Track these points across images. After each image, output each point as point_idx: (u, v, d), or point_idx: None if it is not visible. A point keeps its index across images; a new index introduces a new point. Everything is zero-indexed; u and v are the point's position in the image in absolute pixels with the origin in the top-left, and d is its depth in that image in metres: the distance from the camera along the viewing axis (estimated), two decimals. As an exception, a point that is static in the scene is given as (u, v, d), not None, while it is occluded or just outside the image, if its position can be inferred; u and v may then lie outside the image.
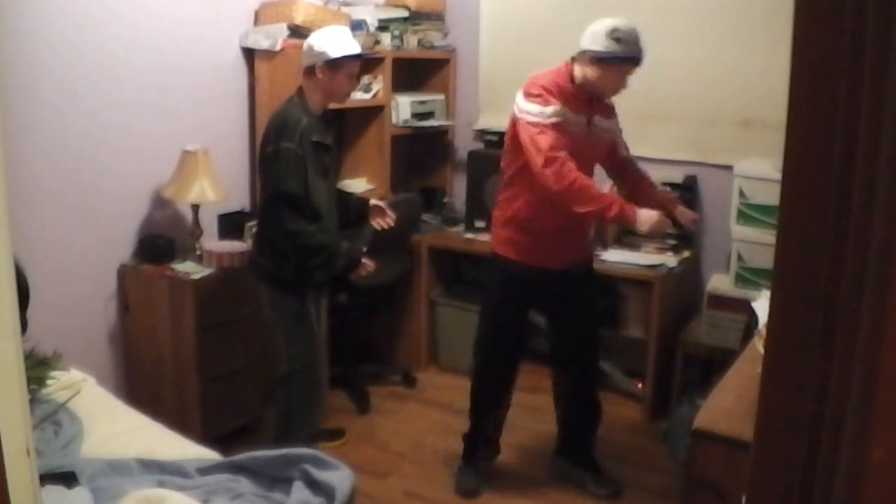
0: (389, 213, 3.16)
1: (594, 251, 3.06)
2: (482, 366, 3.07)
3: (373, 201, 3.23)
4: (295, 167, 2.74)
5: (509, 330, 2.99)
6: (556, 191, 2.59)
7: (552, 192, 2.60)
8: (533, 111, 2.64)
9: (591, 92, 2.73)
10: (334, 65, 2.80)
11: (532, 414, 3.62)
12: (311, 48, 2.83)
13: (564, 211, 2.66)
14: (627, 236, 3.80)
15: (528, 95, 2.67)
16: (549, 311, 3.07)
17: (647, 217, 2.64)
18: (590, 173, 2.81)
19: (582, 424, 3.14)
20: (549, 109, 2.63)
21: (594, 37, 2.63)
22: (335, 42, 2.81)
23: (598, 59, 2.63)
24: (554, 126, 2.62)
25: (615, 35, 2.60)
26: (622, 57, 2.62)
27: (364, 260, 2.96)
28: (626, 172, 3.01)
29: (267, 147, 2.80)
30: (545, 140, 2.60)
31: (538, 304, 3.04)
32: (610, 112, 2.88)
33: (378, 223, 3.15)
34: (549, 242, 2.80)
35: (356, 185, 3.88)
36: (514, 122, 2.71)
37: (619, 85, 2.72)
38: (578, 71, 2.70)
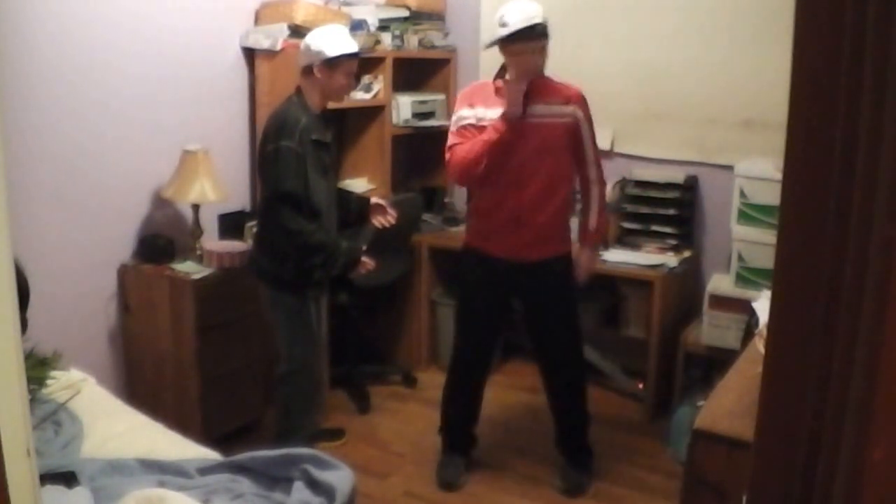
0: (391, 211, 3.16)
1: (567, 247, 2.98)
2: (457, 357, 3.14)
3: (374, 199, 3.23)
4: (295, 166, 2.74)
5: (477, 321, 3.04)
6: (450, 172, 2.92)
7: (451, 177, 3.00)
8: (452, 120, 2.94)
9: (526, 76, 2.74)
10: (332, 64, 2.80)
11: (533, 415, 3.63)
12: (308, 48, 2.83)
13: (517, 201, 2.80)
14: (628, 236, 3.81)
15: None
16: (522, 304, 3.07)
17: (508, 91, 2.73)
18: (537, 163, 2.79)
19: (565, 420, 3.15)
20: (455, 115, 2.90)
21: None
22: (332, 41, 2.81)
23: (500, 49, 2.73)
24: (460, 129, 2.86)
25: (502, 20, 2.67)
26: (507, 36, 2.65)
27: (364, 259, 2.96)
28: (582, 199, 3.00)
29: (267, 146, 2.80)
30: (449, 141, 2.88)
31: (506, 295, 3.03)
32: (564, 97, 2.83)
33: (379, 221, 3.15)
34: (507, 232, 2.85)
35: (357, 184, 3.88)
36: None
37: (525, 65, 2.71)
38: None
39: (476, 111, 2.82)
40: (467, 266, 3.04)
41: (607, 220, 3.19)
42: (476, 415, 3.21)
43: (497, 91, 2.82)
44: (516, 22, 2.64)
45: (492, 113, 2.78)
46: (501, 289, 2.98)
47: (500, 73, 2.83)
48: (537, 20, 2.65)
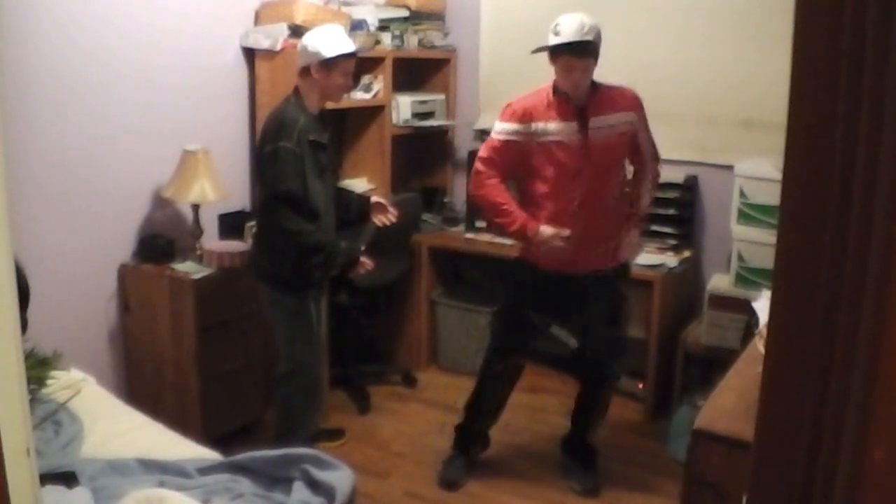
0: (391, 209, 3.15)
1: (622, 259, 2.98)
2: (488, 361, 3.11)
3: (374, 198, 3.22)
4: (293, 166, 2.74)
5: (522, 328, 3.01)
6: (471, 194, 2.90)
7: (469, 194, 2.89)
8: (494, 126, 2.86)
9: (569, 93, 2.74)
10: (329, 64, 2.80)
11: (532, 414, 3.63)
12: (305, 48, 2.83)
13: (584, 219, 2.76)
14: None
15: (500, 115, 2.83)
16: (565, 315, 3.04)
17: (544, 233, 2.76)
18: (603, 177, 2.80)
19: (583, 411, 3.17)
20: (502, 126, 2.80)
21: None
22: (329, 41, 2.81)
23: (549, 57, 2.71)
24: (503, 143, 2.79)
25: (556, 29, 2.66)
26: (555, 46, 2.65)
27: (362, 258, 2.96)
28: (634, 183, 2.99)
29: (265, 146, 2.80)
30: (485, 150, 2.83)
31: (553, 308, 3.00)
32: (616, 106, 2.81)
33: (380, 220, 3.15)
34: (569, 247, 2.79)
35: (356, 184, 3.88)
36: None
37: (570, 79, 2.71)
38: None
39: (534, 127, 2.75)
40: (522, 276, 2.98)
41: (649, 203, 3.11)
42: (498, 417, 3.22)
43: (549, 105, 2.76)
44: (568, 34, 2.63)
45: (553, 126, 2.74)
46: (555, 300, 2.92)
47: (556, 87, 2.78)
48: (588, 38, 2.63)
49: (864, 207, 0.72)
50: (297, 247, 2.82)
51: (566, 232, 2.76)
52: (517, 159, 2.80)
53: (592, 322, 2.99)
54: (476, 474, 3.21)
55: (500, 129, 2.81)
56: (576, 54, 2.65)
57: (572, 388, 3.29)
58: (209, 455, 2.21)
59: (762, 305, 2.08)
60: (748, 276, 3.37)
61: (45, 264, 2.89)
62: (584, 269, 2.85)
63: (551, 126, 2.74)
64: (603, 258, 2.88)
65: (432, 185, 4.44)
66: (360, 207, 3.18)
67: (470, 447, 3.21)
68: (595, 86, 2.79)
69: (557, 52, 2.66)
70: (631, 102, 2.85)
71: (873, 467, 0.70)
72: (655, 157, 2.97)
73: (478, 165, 2.84)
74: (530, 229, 2.77)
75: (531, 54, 2.76)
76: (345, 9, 3.88)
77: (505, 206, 2.80)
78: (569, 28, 2.62)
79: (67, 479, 1.91)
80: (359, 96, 3.82)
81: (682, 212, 3.74)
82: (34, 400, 2.25)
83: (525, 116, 2.76)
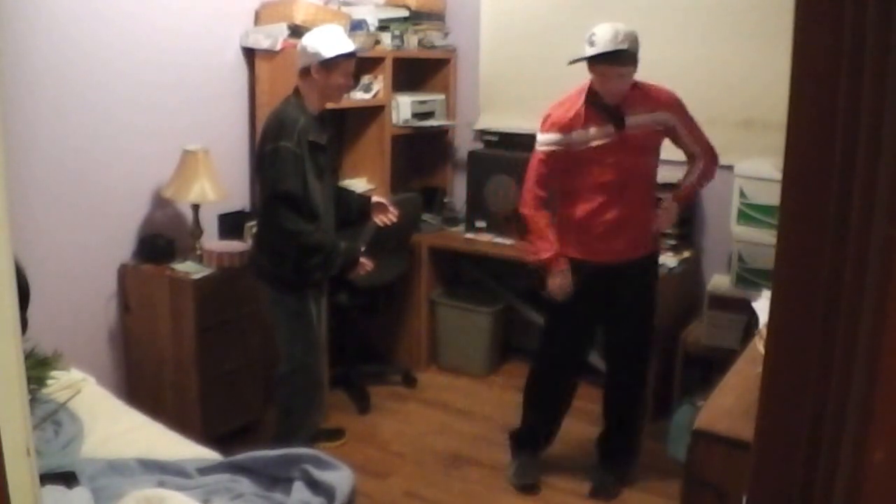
0: (392, 209, 3.15)
1: (657, 247, 3.10)
2: (544, 362, 3.14)
3: (375, 198, 3.22)
4: (293, 166, 2.74)
5: (574, 325, 3.04)
6: (521, 211, 2.96)
7: (519, 210, 2.98)
8: (537, 137, 2.91)
9: (606, 98, 2.79)
10: (329, 65, 2.80)
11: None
12: (304, 49, 2.83)
13: (619, 209, 2.85)
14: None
15: (540, 123, 2.90)
16: (609, 307, 3.06)
17: (553, 284, 2.89)
18: (640, 167, 2.88)
19: (621, 417, 3.17)
20: (544, 138, 2.87)
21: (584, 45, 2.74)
22: (328, 42, 2.81)
23: (588, 65, 2.74)
24: (547, 154, 2.86)
25: (591, 39, 2.70)
26: (593, 56, 2.69)
27: (362, 259, 2.96)
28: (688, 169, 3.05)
29: (265, 145, 2.80)
30: (534, 168, 2.90)
31: (598, 301, 3.02)
32: (657, 104, 2.87)
33: (381, 219, 3.15)
34: (608, 238, 2.86)
35: (356, 184, 3.88)
36: None
37: (608, 85, 2.75)
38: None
39: (574, 135, 2.81)
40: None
41: (696, 191, 3.14)
42: (563, 417, 3.22)
43: (585, 111, 2.81)
44: (604, 44, 2.66)
45: (591, 131, 2.80)
46: (596, 292, 2.97)
47: (590, 92, 2.82)
48: (624, 46, 2.66)
49: (864, 207, 0.72)
50: (296, 247, 2.82)
51: (568, 289, 2.89)
52: (563, 167, 2.87)
53: (623, 316, 3.02)
54: (475, 474, 3.21)
55: (543, 140, 2.87)
56: (612, 63, 2.69)
57: (581, 391, 3.28)
58: (209, 455, 2.21)
59: (762, 305, 2.08)
60: (748, 277, 3.37)
61: (45, 264, 2.89)
62: (618, 258, 2.89)
63: (590, 132, 2.81)
64: (636, 247, 2.93)
65: (432, 185, 4.44)
66: (360, 207, 3.18)
67: (535, 448, 3.20)
68: (634, 84, 2.83)
69: (594, 62, 2.71)
70: (667, 102, 2.90)
71: (873, 468, 0.70)
72: (711, 156, 3.00)
73: (529, 185, 2.91)
74: (556, 265, 2.88)
75: (568, 65, 2.79)
76: (345, 9, 3.88)
77: (546, 234, 2.90)
78: (603, 38, 2.66)
79: (67, 479, 1.91)
80: (359, 96, 3.82)
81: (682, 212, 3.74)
82: (34, 400, 2.25)
83: (565, 126, 2.82)
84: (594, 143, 2.81)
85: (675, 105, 2.91)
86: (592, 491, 3.09)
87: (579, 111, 2.81)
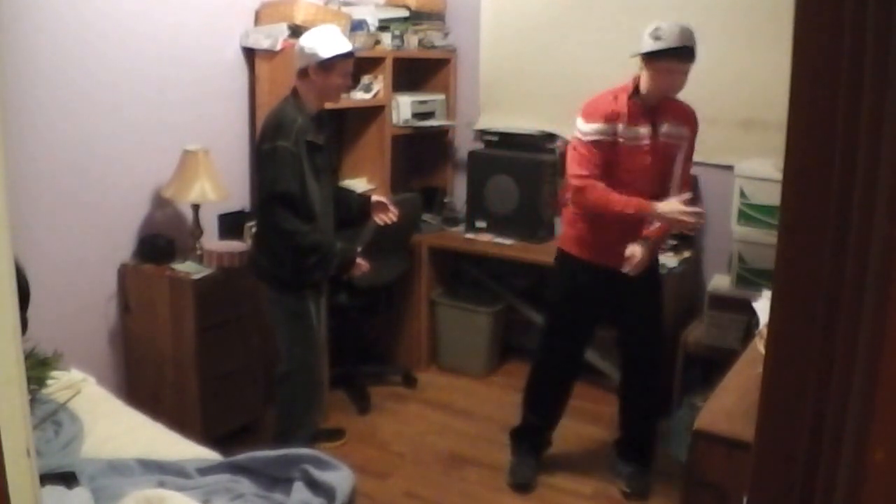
0: (392, 208, 3.15)
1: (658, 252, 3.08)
2: (543, 361, 3.14)
3: (375, 197, 3.22)
4: (291, 166, 2.74)
5: (574, 325, 3.04)
6: (577, 201, 2.86)
7: (575, 203, 2.88)
8: (580, 128, 2.83)
9: (656, 97, 2.79)
10: (327, 65, 2.80)
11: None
12: (302, 50, 2.83)
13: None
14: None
15: (581, 114, 2.84)
16: (614, 311, 3.06)
17: (665, 206, 2.77)
18: (663, 175, 2.88)
19: (639, 417, 3.16)
20: (589, 127, 2.80)
21: (641, 40, 2.74)
22: (325, 42, 2.81)
23: (645, 60, 2.74)
24: (593, 143, 2.79)
25: (656, 34, 2.70)
26: (660, 51, 2.69)
27: (358, 260, 2.96)
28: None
29: (263, 144, 2.80)
30: (576, 162, 2.82)
31: (601, 304, 3.02)
32: (683, 118, 2.89)
33: (381, 219, 3.14)
34: (624, 242, 2.83)
35: (356, 184, 3.88)
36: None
37: (669, 82, 2.76)
38: (642, 78, 2.80)
39: (619, 127, 2.79)
40: (568, 273, 3.01)
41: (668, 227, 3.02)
42: (560, 417, 3.22)
43: (628, 108, 2.80)
44: (672, 40, 2.67)
45: (633, 128, 2.79)
46: (597, 294, 2.97)
47: (635, 91, 2.81)
48: (691, 43, 2.69)
49: (864, 207, 0.72)
50: (293, 247, 2.81)
51: (686, 196, 2.82)
52: (605, 158, 2.82)
53: (634, 322, 3.02)
54: (475, 474, 3.21)
55: (588, 129, 2.81)
56: (681, 59, 2.70)
57: (581, 391, 3.28)
58: (209, 455, 2.21)
59: (762, 306, 2.09)
60: (748, 277, 3.37)
61: (45, 264, 2.89)
62: (621, 263, 2.85)
63: (632, 128, 2.81)
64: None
65: (432, 185, 4.44)
66: (360, 207, 3.17)
67: (533, 449, 3.20)
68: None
69: (660, 57, 2.70)
70: (691, 120, 2.92)
71: (874, 468, 0.70)
72: (687, 189, 2.96)
73: (576, 182, 2.83)
74: (647, 208, 2.78)
75: (631, 58, 2.77)
76: (345, 9, 3.88)
77: (614, 196, 2.79)
78: (671, 33, 2.68)
79: (67, 479, 1.91)
80: (359, 96, 3.82)
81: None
82: (34, 400, 2.25)
83: (610, 117, 2.79)
84: (634, 141, 2.81)
85: (695, 125, 2.93)
86: (627, 494, 3.07)
87: (623, 104, 2.81)
